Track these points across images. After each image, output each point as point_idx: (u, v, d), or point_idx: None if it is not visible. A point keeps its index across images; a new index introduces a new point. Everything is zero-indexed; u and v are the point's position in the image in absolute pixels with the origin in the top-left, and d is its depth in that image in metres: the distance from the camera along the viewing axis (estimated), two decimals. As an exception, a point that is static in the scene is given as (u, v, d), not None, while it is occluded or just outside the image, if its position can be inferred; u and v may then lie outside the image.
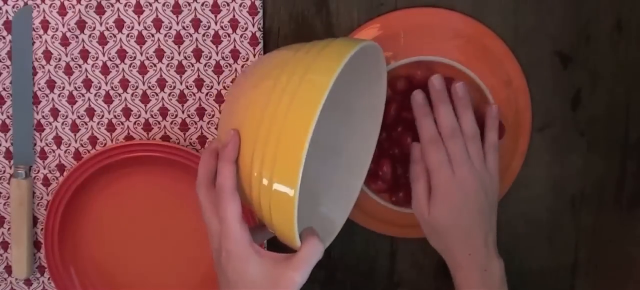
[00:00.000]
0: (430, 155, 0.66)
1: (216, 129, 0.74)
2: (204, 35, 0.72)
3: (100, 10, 0.72)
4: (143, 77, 0.73)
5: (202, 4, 0.71)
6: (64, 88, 0.73)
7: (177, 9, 0.71)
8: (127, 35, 0.72)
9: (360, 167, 0.69)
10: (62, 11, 0.71)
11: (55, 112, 0.74)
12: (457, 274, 0.68)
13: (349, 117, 0.69)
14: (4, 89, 0.73)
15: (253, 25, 0.71)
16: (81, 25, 0.72)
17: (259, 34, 0.71)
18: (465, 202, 0.66)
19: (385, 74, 0.66)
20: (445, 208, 0.66)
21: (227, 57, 0.72)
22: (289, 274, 0.56)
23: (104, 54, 0.73)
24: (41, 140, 0.74)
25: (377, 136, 0.69)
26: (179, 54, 0.73)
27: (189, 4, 0.71)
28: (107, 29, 0.72)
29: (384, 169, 0.72)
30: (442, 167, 0.65)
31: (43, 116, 0.74)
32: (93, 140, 0.74)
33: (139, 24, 0.72)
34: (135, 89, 0.73)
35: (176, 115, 0.74)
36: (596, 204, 0.78)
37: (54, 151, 0.75)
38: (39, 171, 0.75)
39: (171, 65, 0.73)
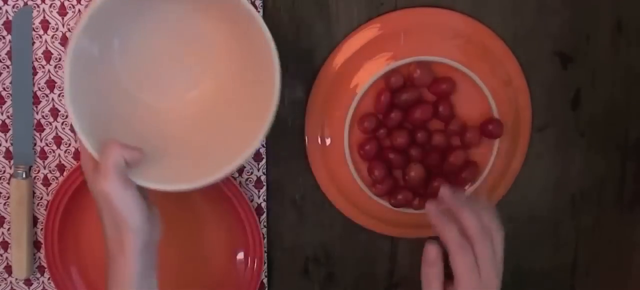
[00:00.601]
0: (460, 261, 0.64)
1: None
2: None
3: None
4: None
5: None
6: (64, 88, 0.73)
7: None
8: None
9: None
10: (62, 11, 0.71)
11: (55, 112, 0.74)
12: None
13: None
14: (4, 89, 0.73)
15: (253, 25, 0.71)
16: (81, 25, 0.72)
17: (259, 34, 0.71)
18: None
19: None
20: None
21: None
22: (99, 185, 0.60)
23: (104, 54, 0.73)
24: (41, 140, 0.74)
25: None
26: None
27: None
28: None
29: (375, 173, 0.72)
30: (472, 272, 0.64)
31: (43, 116, 0.74)
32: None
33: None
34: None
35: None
36: (596, 204, 0.78)
37: (54, 151, 0.75)
38: (39, 171, 0.75)
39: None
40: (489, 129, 0.72)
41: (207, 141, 0.67)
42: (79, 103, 0.61)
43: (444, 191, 0.66)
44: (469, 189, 0.75)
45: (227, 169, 0.63)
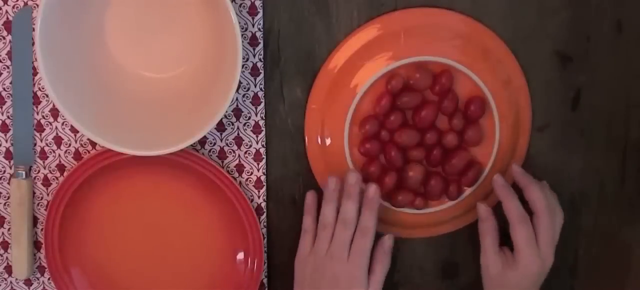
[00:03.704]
0: (520, 233, 0.69)
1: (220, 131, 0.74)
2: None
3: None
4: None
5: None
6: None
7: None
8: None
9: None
10: (62, 11, 0.71)
11: (55, 112, 0.74)
12: None
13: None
14: (4, 89, 0.73)
15: (253, 26, 0.71)
16: (81, 25, 0.72)
17: (259, 34, 0.71)
18: (541, 276, 0.71)
19: None
20: (525, 281, 0.70)
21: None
22: None
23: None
24: (41, 140, 0.74)
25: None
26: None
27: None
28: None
29: (371, 169, 0.72)
30: (532, 247, 0.69)
31: (43, 116, 0.74)
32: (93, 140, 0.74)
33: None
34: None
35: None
36: (596, 204, 0.78)
37: (54, 151, 0.75)
38: (39, 171, 0.75)
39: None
40: (472, 109, 0.72)
41: (177, 114, 0.69)
42: (52, 57, 0.64)
43: (516, 168, 0.72)
44: (468, 191, 0.75)
45: (189, 140, 0.66)
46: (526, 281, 0.70)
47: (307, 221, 0.73)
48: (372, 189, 0.71)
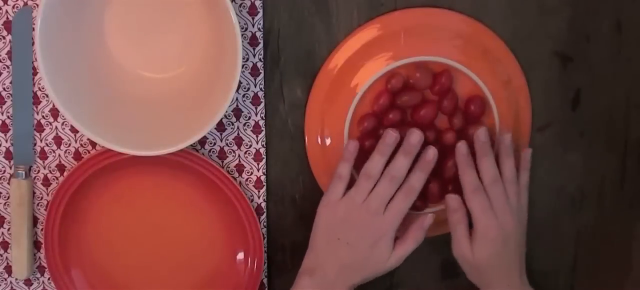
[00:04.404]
0: (474, 202, 0.69)
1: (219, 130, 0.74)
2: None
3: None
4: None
5: (202, 4, 0.71)
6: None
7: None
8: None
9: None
10: (62, 11, 0.71)
11: (55, 112, 0.74)
12: None
13: None
14: (4, 89, 0.73)
15: (253, 25, 0.71)
16: (81, 25, 0.72)
17: (259, 34, 0.71)
18: (507, 242, 0.70)
19: None
20: (488, 249, 0.69)
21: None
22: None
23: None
24: (41, 140, 0.74)
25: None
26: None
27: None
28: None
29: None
30: (487, 213, 0.69)
31: (43, 116, 0.74)
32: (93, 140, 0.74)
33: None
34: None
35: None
36: (596, 204, 0.78)
37: (54, 151, 0.75)
38: (39, 171, 0.75)
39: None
40: (472, 109, 0.72)
41: (177, 114, 0.70)
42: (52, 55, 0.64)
43: (482, 133, 0.70)
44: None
45: (188, 141, 0.66)
46: (489, 248, 0.69)
47: (345, 168, 0.70)
48: (431, 152, 0.70)
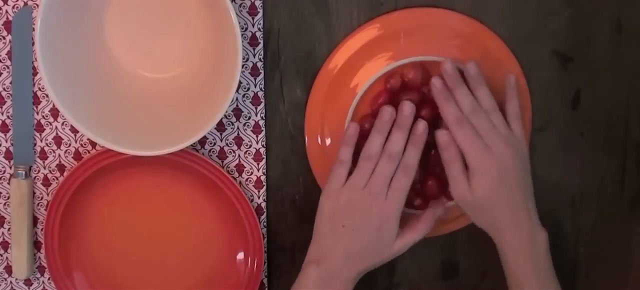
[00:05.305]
0: (459, 134, 0.67)
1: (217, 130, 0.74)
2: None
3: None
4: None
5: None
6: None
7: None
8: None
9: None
10: (62, 11, 0.71)
11: (55, 112, 0.74)
12: (505, 249, 0.69)
13: None
14: (4, 89, 0.73)
15: (253, 25, 0.71)
16: (81, 25, 0.72)
17: (259, 34, 0.71)
18: (505, 175, 0.67)
19: None
20: (486, 181, 0.66)
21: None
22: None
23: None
24: (41, 140, 0.74)
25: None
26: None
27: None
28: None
29: None
30: (474, 141, 0.66)
31: (43, 116, 0.74)
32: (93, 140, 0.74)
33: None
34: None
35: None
36: (596, 204, 0.78)
37: (54, 151, 0.75)
38: (39, 171, 0.75)
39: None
40: None
41: (177, 114, 0.70)
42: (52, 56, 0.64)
43: (447, 64, 0.68)
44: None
45: (190, 140, 0.66)
46: (486, 182, 0.66)
47: (346, 152, 0.69)
48: (421, 125, 0.68)
